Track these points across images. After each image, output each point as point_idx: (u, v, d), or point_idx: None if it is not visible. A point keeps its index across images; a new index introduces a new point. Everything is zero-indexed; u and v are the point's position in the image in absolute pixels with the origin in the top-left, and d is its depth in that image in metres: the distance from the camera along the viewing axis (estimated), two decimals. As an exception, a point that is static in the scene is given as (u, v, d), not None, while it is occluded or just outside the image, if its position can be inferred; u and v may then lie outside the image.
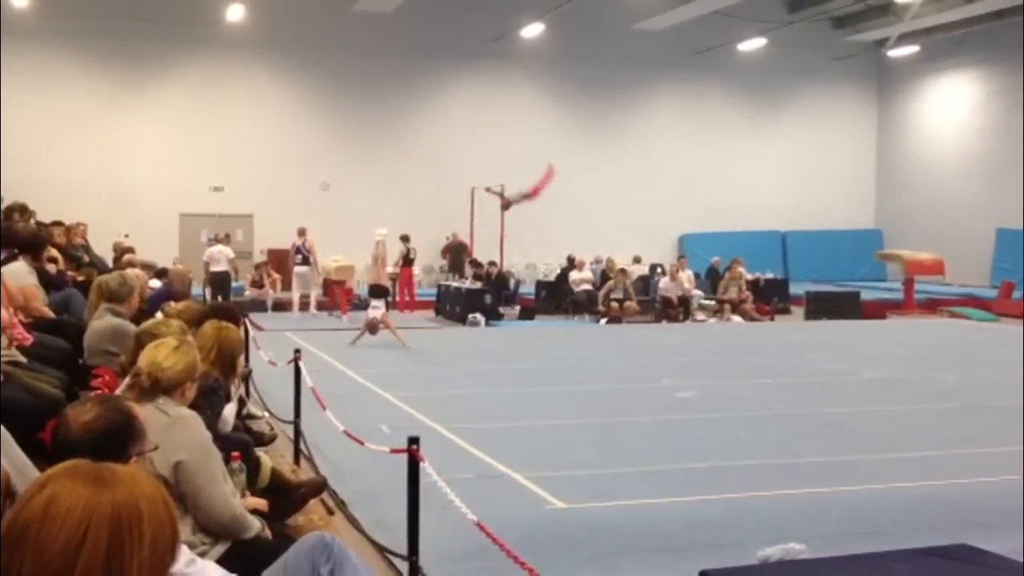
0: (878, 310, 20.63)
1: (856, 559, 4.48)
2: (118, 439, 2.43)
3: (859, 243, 27.09)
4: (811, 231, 27.29)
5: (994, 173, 24.86)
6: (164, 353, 3.56)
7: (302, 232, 18.87)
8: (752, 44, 25.32)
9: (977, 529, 5.23)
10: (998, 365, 13.02)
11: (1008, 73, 24.57)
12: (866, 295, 21.35)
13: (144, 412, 3.22)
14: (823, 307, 20.16)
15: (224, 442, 4.08)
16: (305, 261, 18.69)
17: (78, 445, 2.39)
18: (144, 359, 3.57)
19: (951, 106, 26.58)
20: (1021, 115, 24.20)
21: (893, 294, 22.29)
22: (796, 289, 22.28)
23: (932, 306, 21.31)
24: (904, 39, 25.73)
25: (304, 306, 18.86)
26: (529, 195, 20.35)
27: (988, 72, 25.41)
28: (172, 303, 7.04)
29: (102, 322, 5.95)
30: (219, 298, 17.36)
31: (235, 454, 4.07)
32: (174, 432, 3.33)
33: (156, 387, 3.47)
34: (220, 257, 18.72)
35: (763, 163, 27.25)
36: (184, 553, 2.62)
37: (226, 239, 20.08)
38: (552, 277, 22.66)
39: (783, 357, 13.80)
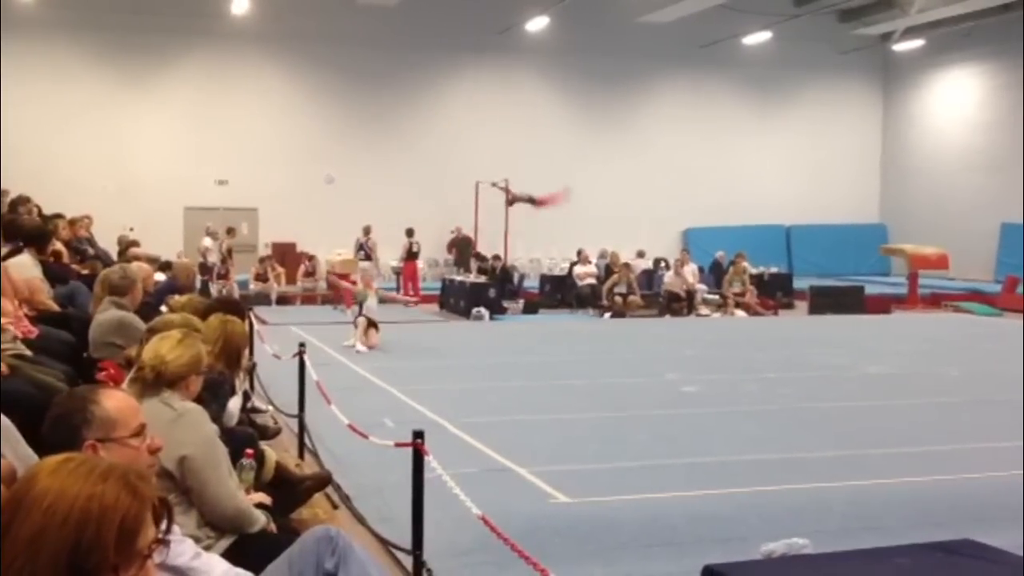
0: (882, 304, 20.61)
1: (860, 554, 4.47)
2: (67, 424, 2.45)
3: (863, 237, 27.03)
4: (815, 225, 27.24)
5: (999, 168, 24.79)
6: (168, 346, 3.55)
7: (367, 230, 19.49)
8: (757, 37, 25.25)
9: (981, 524, 5.23)
10: (1001, 360, 12.99)
11: (1014, 67, 24.48)
12: (870, 289, 21.31)
13: (149, 406, 3.23)
14: (827, 301, 20.14)
15: (230, 436, 4.09)
16: (367, 257, 19.43)
17: (46, 434, 2.53)
18: (148, 352, 3.57)
19: (956, 100, 26.50)
20: (1027, 109, 24.16)
21: (897, 288, 22.26)
22: (800, 283, 22.24)
23: (936, 300, 21.29)
24: (910, 33, 25.64)
25: None
26: (536, 202, 20.48)
27: (994, 66, 25.32)
28: (176, 296, 7.06)
29: (107, 315, 5.95)
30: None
31: (249, 451, 4.07)
32: (180, 427, 3.33)
33: (160, 380, 3.47)
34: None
35: (767, 157, 27.19)
36: (190, 546, 2.62)
37: (229, 233, 20.16)
38: (556, 271, 22.66)
39: (787, 351, 13.78)
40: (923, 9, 23.55)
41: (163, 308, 6.97)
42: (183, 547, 2.58)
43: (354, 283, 19.60)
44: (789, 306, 21.10)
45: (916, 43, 25.96)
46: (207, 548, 3.01)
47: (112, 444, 2.41)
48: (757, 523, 5.37)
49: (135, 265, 7.62)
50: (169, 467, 3.20)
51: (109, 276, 6.33)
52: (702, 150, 26.58)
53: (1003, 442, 7.62)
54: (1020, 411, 8.55)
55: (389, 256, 21.68)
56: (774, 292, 21.06)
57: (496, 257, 20.96)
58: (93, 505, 1.43)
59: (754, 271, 20.72)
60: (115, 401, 2.51)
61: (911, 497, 6.07)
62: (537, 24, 23.88)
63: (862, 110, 28.43)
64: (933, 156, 27.01)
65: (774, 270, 22.42)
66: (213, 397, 4.41)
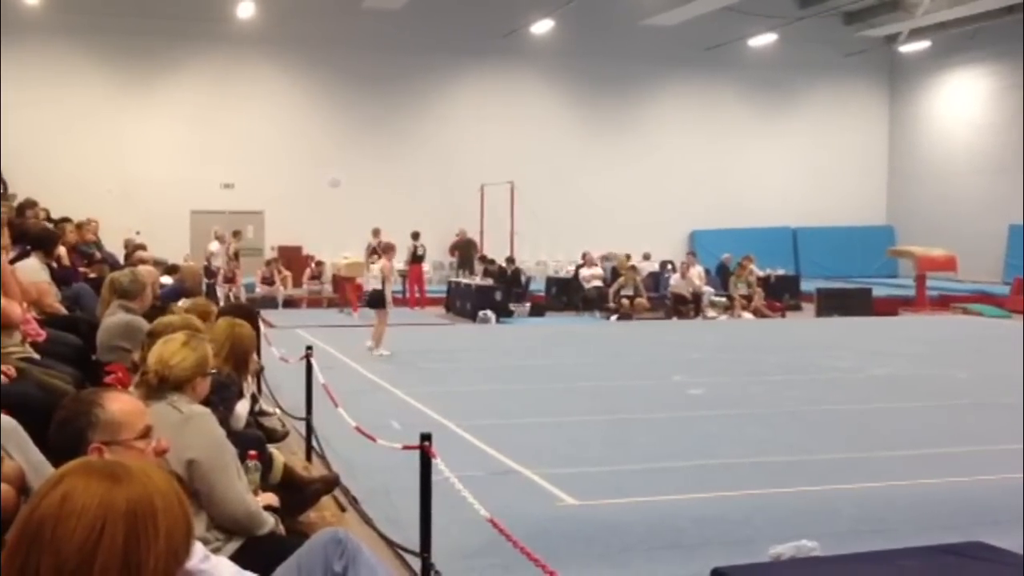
0: (890, 307, 20.56)
1: (868, 556, 4.47)
2: (72, 428, 2.46)
3: (870, 239, 26.98)
4: (822, 227, 27.19)
5: (1006, 169, 24.73)
6: (172, 349, 3.54)
7: (376, 233, 19.53)
8: (762, 40, 25.23)
9: (990, 526, 5.21)
10: (1009, 362, 12.92)
11: (1019, 68, 24.40)
12: (877, 292, 21.27)
13: (156, 409, 3.24)
14: (834, 304, 20.10)
15: (238, 439, 4.09)
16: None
17: (51, 437, 2.54)
18: (152, 356, 3.56)
19: (962, 102, 26.45)
20: (1033, 111, 24.10)
21: (905, 291, 22.21)
22: (807, 286, 22.20)
23: (944, 303, 21.23)
24: (915, 34, 25.61)
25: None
26: None
27: (999, 67, 25.27)
28: (182, 300, 7.06)
29: (115, 318, 5.97)
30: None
31: (252, 453, 4.08)
32: (188, 430, 3.33)
33: (164, 384, 3.46)
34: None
35: (774, 159, 27.17)
36: (198, 549, 2.62)
37: (235, 236, 20.22)
38: (563, 273, 22.66)
39: (794, 354, 13.76)
40: (928, 11, 23.52)
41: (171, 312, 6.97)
42: (192, 550, 2.58)
43: (360, 286, 19.66)
44: (796, 308, 21.07)
45: (922, 45, 25.92)
46: (215, 551, 3.01)
47: (117, 447, 2.41)
48: (764, 526, 5.35)
49: (143, 268, 7.64)
50: (177, 470, 3.19)
51: (119, 280, 6.34)
52: (708, 152, 26.57)
53: (1011, 444, 7.60)
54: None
55: (394, 259, 21.72)
56: (781, 294, 21.02)
57: (510, 259, 20.99)
58: (143, 507, 1.42)
59: (761, 273, 20.69)
60: (120, 404, 2.51)
61: (919, 500, 6.06)
62: (542, 27, 23.89)
63: (868, 112, 28.39)
64: (940, 158, 26.96)
65: (781, 272, 22.38)
66: (221, 400, 4.42)
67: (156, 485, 1.46)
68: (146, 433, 2.48)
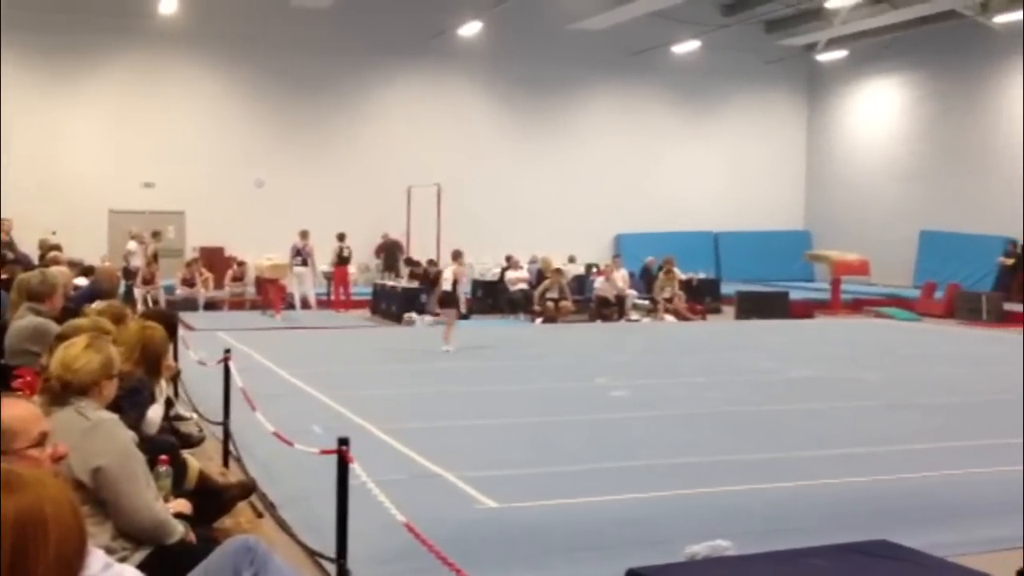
0: (806, 309, 21.05)
1: (778, 555, 4.57)
2: None
3: (788, 244, 27.60)
4: (742, 232, 27.73)
5: (918, 176, 25.56)
6: (74, 353, 3.44)
7: (304, 235, 19.32)
8: (686, 47, 25.65)
9: (898, 525, 5.37)
10: (920, 364, 13.41)
11: (933, 78, 25.29)
12: (794, 295, 21.75)
13: (62, 416, 3.16)
14: (753, 307, 20.50)
15: (150, 444, 4.01)
16: (304, 263, 19.20)
17: None
18: (54, 361, 3.45)
19: (878, 110, 27.23)
20: (945, 120, 24.94)
21: (820, 294, 22.77)
22: (727, 289, 22.62)
23: (858, 306, 21.82)
24: (833, 44, 26.30)
25: (305, 305, 19.27)
26: None
27: (914, 77, 26.09)
28: (96, 303, 6.89)
29: (23, 321, 5.80)
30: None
31: (163, 458, 4.00)
32: (95, 437, 3.24)
33: (68, 389, 3.35)
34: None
35: (696, 164, 27.62)
36: (99, 558, 2.55)
37: (154, 237, 19.83)
38: (488, 276, 22.68)
39: (714, 356, 14.00)
40: (846, 20, 24.17)
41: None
42: (92, 559, 2.51)
43: (284, 288, 19.41)
44: (716, 311, 21.44)
45: (839, 54, 26.63)
46: (123, 560, 2.95)
47: (10, 456, 2.31)
48: (682, 526, 5.43)
49: (55, 269, 7.44)
50: (83, 478, 3.12)
51: (27, 281, 6.18)
52: (633, 156, 26.90)
53: (920, 444, 7.86)
54: (939, 414, 8.81)
55: (320, 261, 21.52)
56: (702, 297, 21.38)
57: (432, 262, 20.92)
58: (32, 516, 1.40)
59: (683, 277, 21.00)
60: (11, 411, 2.40)
61: (833, 499, 6.21)
62: (470, 29, 23.92)
63: (787, 119, 29.05)
64: (855, 165, 27.72)
65: (702, 276, 22.78)
66: (132, 405, 4.33)
67: (48, 493, 1.43)
68: (41, 440, 2.39)
